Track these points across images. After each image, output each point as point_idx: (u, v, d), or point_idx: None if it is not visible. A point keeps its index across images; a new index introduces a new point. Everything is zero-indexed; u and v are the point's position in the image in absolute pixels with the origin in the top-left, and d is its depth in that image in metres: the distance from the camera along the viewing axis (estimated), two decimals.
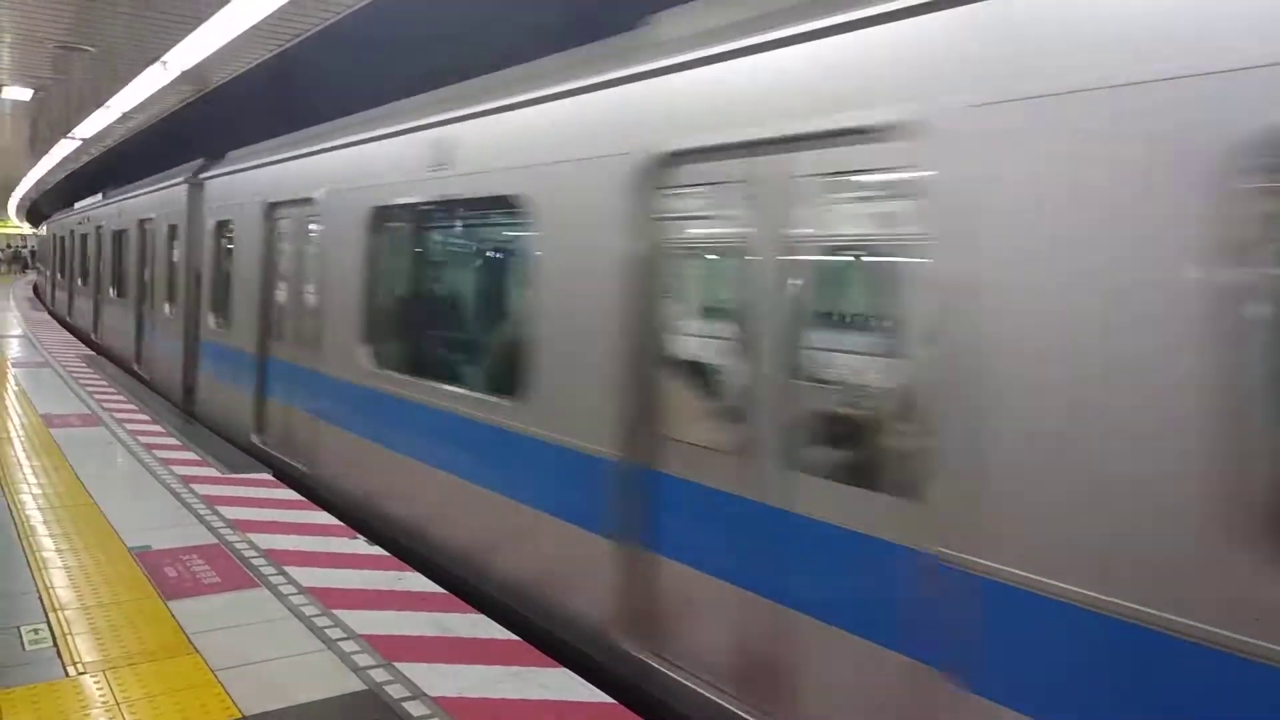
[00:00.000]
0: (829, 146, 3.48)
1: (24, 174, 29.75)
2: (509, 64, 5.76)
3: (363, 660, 4.26)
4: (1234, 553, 2.29)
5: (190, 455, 8.53)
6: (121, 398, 11.78)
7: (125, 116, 14.99)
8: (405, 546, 6.03)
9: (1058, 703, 2.66)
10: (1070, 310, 2.69)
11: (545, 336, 4.93)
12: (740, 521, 3.81)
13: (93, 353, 17.28)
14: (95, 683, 3.92)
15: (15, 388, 12.08)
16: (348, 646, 4.40)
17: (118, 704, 3.74)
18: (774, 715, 3.63)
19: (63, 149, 20.73)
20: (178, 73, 11.08)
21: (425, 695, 3.93)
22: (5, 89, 13.75)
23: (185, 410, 11.21)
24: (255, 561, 5.58)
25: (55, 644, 4.28)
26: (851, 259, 3.87)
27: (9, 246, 63.42)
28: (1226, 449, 2.33)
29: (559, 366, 4.83)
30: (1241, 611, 2.24)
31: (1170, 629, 2.39)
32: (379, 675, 4.11)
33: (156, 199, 13.24)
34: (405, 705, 3.84)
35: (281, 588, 5.16)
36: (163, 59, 10.57)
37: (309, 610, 4.84)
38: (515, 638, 4.64)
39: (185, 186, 11.39)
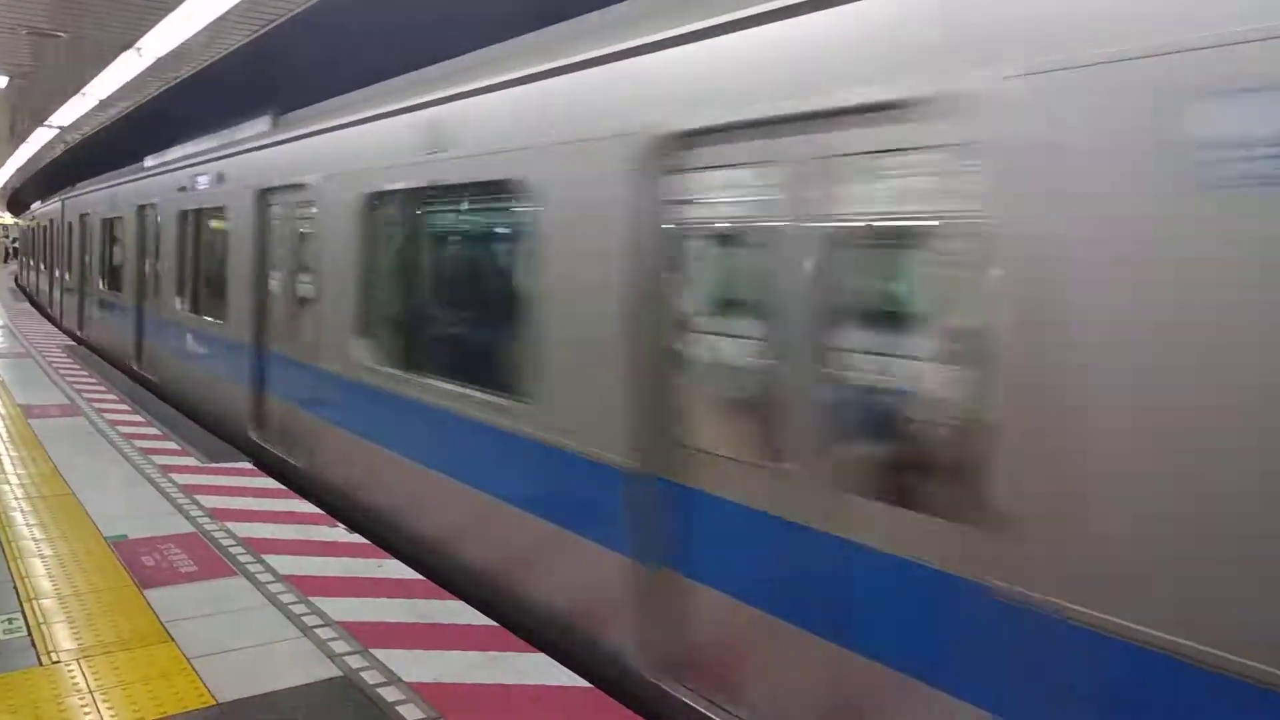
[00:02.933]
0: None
1: (2, 163, 29.43)
2: (492, 43, 5.74)
3: (339, 647, 4.26)
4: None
5: (170, 445, 8.49)
6: (102, 388, 11.72)
7: (102, 104, 14.83)
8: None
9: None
10: None
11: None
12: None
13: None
14: (69, 671, 3.92)
15: None
16: (324, 633, 4.40)
17: (91, 692, 3.74)
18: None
19: (40, 137, 20.51)
20: (152, 59, 10.97)
21: (401, 681, 3.94)
22: None
23: None
24: (233, 550, 5.57)
25: (30, 633, 4.27)
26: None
27: None
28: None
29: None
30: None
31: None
32: (355, 662, 4.11)
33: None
34: (380, 691, 3.85)
35: (259, 576, 5.15)
36: (137, 45, 10.46)
37: (286, 598, 4.84)
38: (493, 623, 4.65)
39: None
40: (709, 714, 3.67)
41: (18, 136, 21.64)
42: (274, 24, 9.18)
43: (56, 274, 22.43)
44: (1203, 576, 2.24)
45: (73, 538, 5.68)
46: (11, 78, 13.66)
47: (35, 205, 30.11)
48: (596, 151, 4.26)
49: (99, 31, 10.18)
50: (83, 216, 18.15)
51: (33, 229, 30.42)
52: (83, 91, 13.97)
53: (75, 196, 19.43)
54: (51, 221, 23.10)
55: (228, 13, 8.83)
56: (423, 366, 6.02)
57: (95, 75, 12.65)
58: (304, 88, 8.57)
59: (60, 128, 18.38)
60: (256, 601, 4.79)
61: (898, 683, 3.03)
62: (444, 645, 4.35)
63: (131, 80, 12.57)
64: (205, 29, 9.49)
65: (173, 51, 10.58)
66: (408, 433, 6.02)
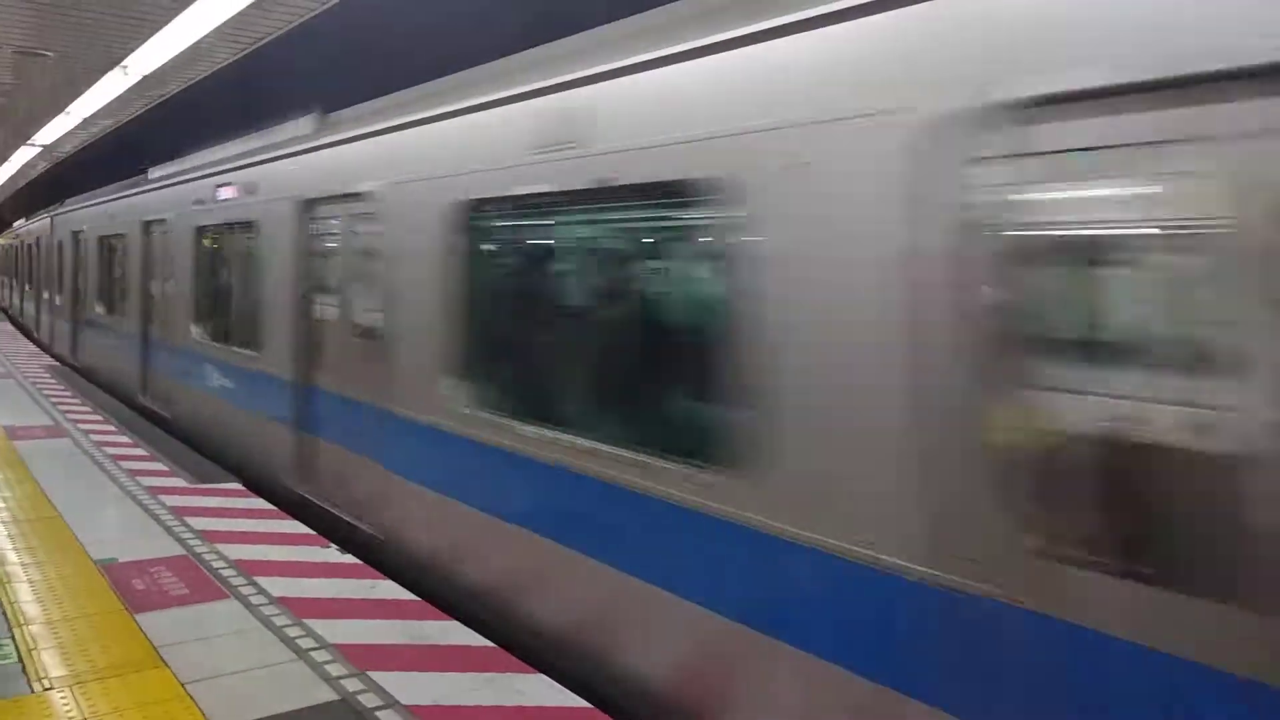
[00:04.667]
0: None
1: None
2: (475, 63, 5.76)
3: (335, 670, 4.22)
4: None
5: (158, 466, 8.41)
6: (87, 409, 11.61)
7: (86, 122, 14.77)
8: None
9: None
10: None
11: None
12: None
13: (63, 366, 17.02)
14: (62, 698, 3.86)
15: None
16: (319, 656, 4.36)
17: (85, 719, 3.69)
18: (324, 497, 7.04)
19: (22, 156, 20.39)
20: (138, 77, 10.94)
21: (399, 704, 3.91)
22: None
23: None
24: (224, 572, 5.52)
25: (20, 660, 4.21)
26: None
27: None
28: None
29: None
30: None
31: None
32: (351, 685, 4.07)
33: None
34: (378, 714, 3.81)
35: (252, 598, 5.10)
36: (123, 63, 10.43)
37: (280, 620, 4.79)
38: (490, 644, 4.62)
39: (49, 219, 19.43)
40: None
41: None
42: (260, 43, 9.18)
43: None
44: None
45: (61, 561, 5.61)
46: None
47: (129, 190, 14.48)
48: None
49: (87, 50, 10.15)
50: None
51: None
52: (67, 110, 13.91)
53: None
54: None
55: (214, 31, 8.82)
56: None
57: (81, 93, 12.60)
58: (288, 104, 8.56)
59: (43, 146, 18.28)
60: (250, 624, 4.74)
61: None
62: (441, 667, 4.31)
63: (117, 98, 12.53)
64: (191, 47, 9.47)
65: (159, 69, 10.55)
66: None
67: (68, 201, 18.20)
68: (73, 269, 16.57)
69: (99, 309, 14.60)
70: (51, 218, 19.30)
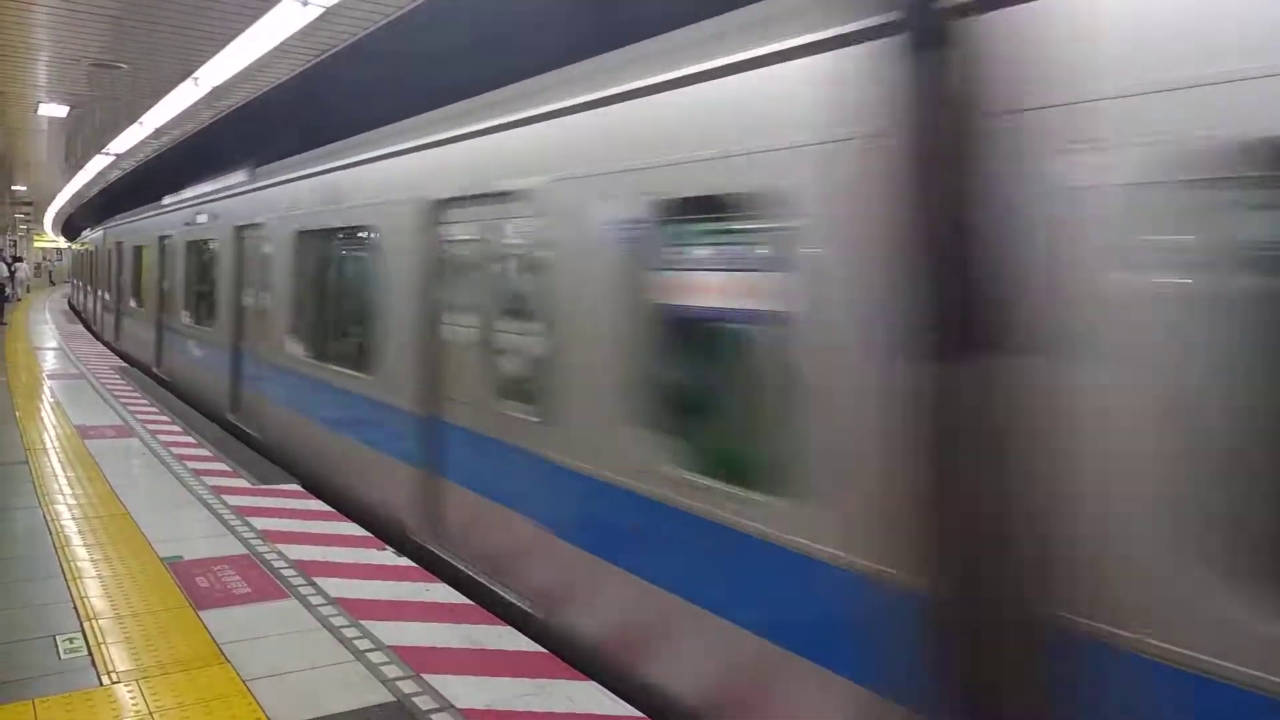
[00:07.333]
0: None
1: (60, 189, 30.27)
2: (535, 74, 5.83)
3: (391, 671, 4.28)
4: None
5: (221, 466, 8.62)
6: (154, 409, 11.94)
7: (158, 132, 15.23)
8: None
9: None
10: None
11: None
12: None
13: (127, 365, 17.38)
14: (128, 692, 3.97)
15: (51, 400, 12.28)
16: (376, 657, 4.43)
17: (150, 713, 3.79)
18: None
19: (97, 164, 21.08)
20: (209, 89, 11.25)
21: (453, 707, 3.95)
22: (42, 106, 14.02)
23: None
24: (285, 572, 5.63)
25: (90, 653, 4.34)
26: None
27: (44, 259, 64.82)
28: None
29: None
30: None
31: None
32: (407, 687, 4.13)
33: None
34: (433, 717, 3.86)
35: (311, 598, 5.20)
36: (194, 75, 10.74)
37: (338, 621, 4.87)
38: (543, 650, 4.64)
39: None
40: None
41: (75, 164, 22.27)
42: (328, 53, 9.38)
43: None
44: None
45: (129, 558, 5.77)
46: (72, 107, 14.08)
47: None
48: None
49: (159, 62, 10.47)
50: None
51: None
52: (140, 120, 14.36)
53: None
54: None
55: (284, 42, 9.04)
56: None
57: (154, 104, 13.00)
58: (356, 115, 8.73)
59: (116, 155, 18.89)
60: (309, 624, 4.83)
61: None
62: (494, 671, 4.35)
63: (187, 109, 12.90)
64: (262, 57, 9.72)
65: (229, 80, 10.84)
66: None
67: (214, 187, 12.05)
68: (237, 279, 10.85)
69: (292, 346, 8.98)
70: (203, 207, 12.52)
